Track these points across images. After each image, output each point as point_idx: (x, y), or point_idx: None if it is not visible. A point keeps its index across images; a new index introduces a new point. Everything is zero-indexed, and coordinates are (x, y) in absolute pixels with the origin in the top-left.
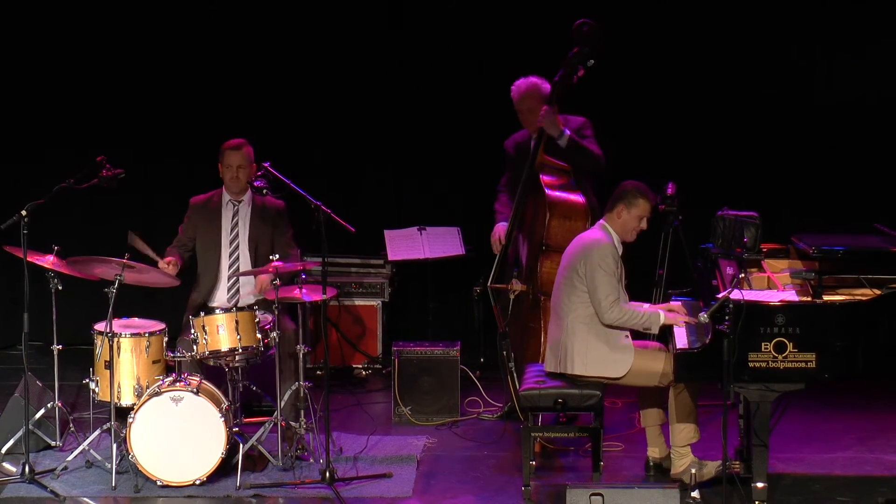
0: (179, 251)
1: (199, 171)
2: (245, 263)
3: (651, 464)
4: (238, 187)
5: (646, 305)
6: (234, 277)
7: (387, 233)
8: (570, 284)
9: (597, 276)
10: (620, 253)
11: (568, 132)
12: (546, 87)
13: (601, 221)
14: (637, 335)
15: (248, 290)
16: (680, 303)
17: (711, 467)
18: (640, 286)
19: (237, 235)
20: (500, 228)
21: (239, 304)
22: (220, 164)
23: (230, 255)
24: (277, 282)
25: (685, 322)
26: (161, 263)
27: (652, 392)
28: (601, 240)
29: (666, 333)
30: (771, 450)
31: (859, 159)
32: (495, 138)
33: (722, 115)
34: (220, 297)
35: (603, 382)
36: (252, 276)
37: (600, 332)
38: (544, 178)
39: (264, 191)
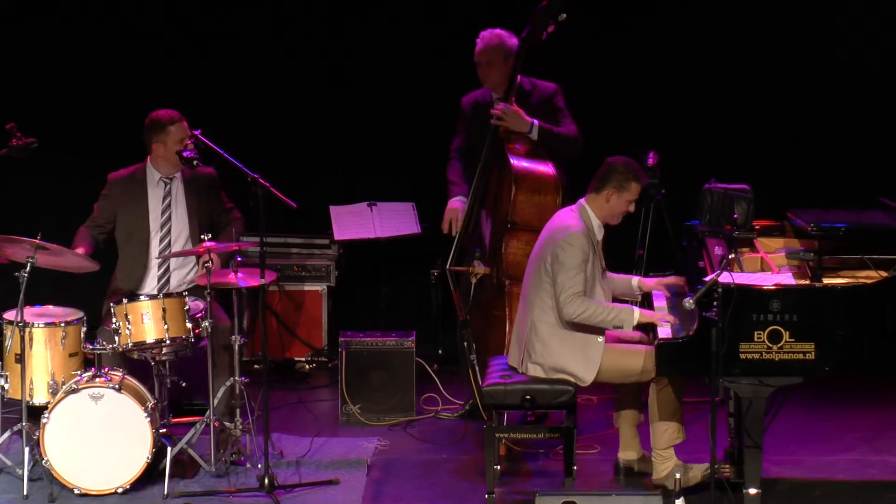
0: (93, 234)
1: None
2: (181, 248)
3: (622, 466)
4: (175, 164)
5: (634, 280)
6: (166, 263)
7: (332, 209)
8: (538, 277)
9: (558, 269)
10: (600, 238)
11: (537, 122)
12: (513, 41)
13: (581, 201)
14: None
15: (181, 277)
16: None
17: (698, 471)
18: (618, 268)
19: (170, 217)
20: (458, 205)
21: (165, 291)
22: (154, 139)
23: (161, 240)
24: (210, 264)
25: (669, 322)
26: None
27: (631, 388)
28: (570, 227)
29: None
30: (765, 451)
31: (862, 126)
32: (455, 100)
33: (709, 77)
34: (149, 285)
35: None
36: (186, 261)
37: (565, 335)
38: (510, 147)
39: (195, 162)
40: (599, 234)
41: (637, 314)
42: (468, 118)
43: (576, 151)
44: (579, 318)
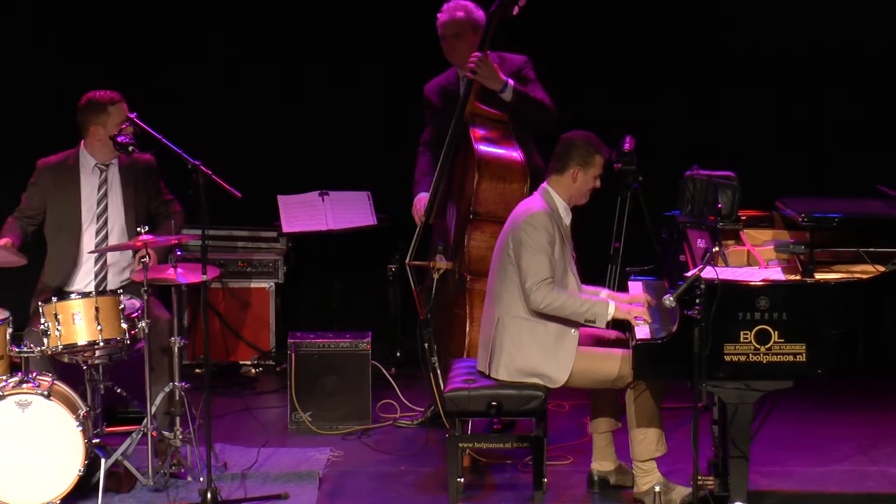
0: (22, 225)
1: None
2: (118, 241)
3: (595, 478)
4: (114, 149)
5: (604, 292)
6: (103, 258)
7: (281, 199)
8: (503, 269)
9: (522, 253)
10: (568, 222)
11: (511, 82)
12: (479, 13)
13: (543, 185)
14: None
15: (116, 273)
16: (642, 285)
17: (678, 496)
18: (591, 263)
19: (106, 208)
20: (424, 200)
21: (102, 289)
22: (92, 122)
23: (97, 233)
24: (147, 259)
25: (647, 320)
26: None
27: (607, 393)
28: (531, 208)
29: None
30: (752, 462)
31: (857, 107)
32: (416, 81)
33: (690, 54)
34: (81, 281)
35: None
36: (122, 256)
37: (536, 329)
38: (475, 132)
39: (130, 148)
40: (567, 217)
41: (612, 308)
42: (436, 107)
43: (549, 120)
44: (548, 307)
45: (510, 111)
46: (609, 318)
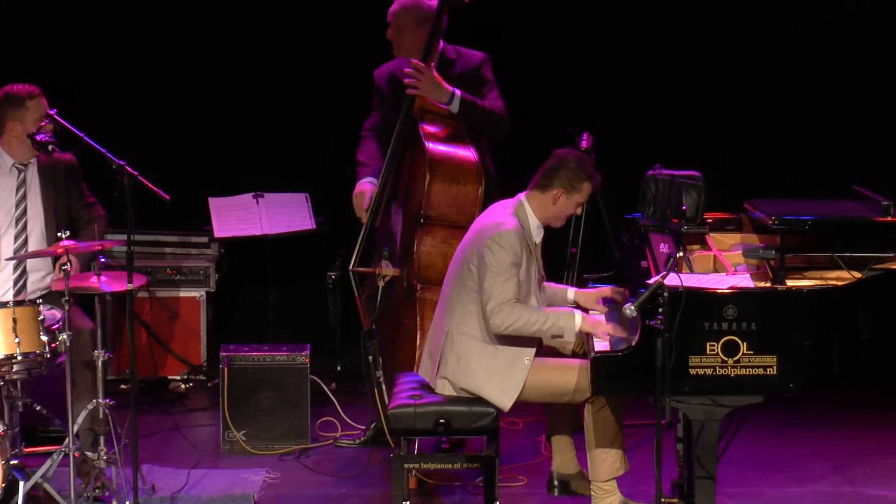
0: None
1: None
2: (37, 246)
3: (556, 482)
4: (32, 147)
5: (571, 291)
6: (22, 265)
7: (212, 201)
8: (461, 281)
9: (486, 273)
10: (539, 241)
11: (458, 92)
12: (431, 2)
13: (520, 196)
14: None
15: (36, 281)
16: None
17: None
18: (546, 270)
19: (25, 211)
20: (366, 187)
21: (20, 299)
22: (9, 117)
23: (15, 238)
24: (68, 266)
25: (612, 333)
26: None
27: (564, 409)
28: (500, 225)
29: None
30: (720, 483)
31: (831, 102)
32: (357, 75)
33: (653, 43)
34: None
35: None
36: (42, 263)
37: (486, 350)
38: (425, 129)
39: (50, 147)
40: (538, 236)
41: (579, 319)
42: (386, 97)
43: (501, 131)
44: (510, 329)
45: (459, 120)
46: (577, 329)
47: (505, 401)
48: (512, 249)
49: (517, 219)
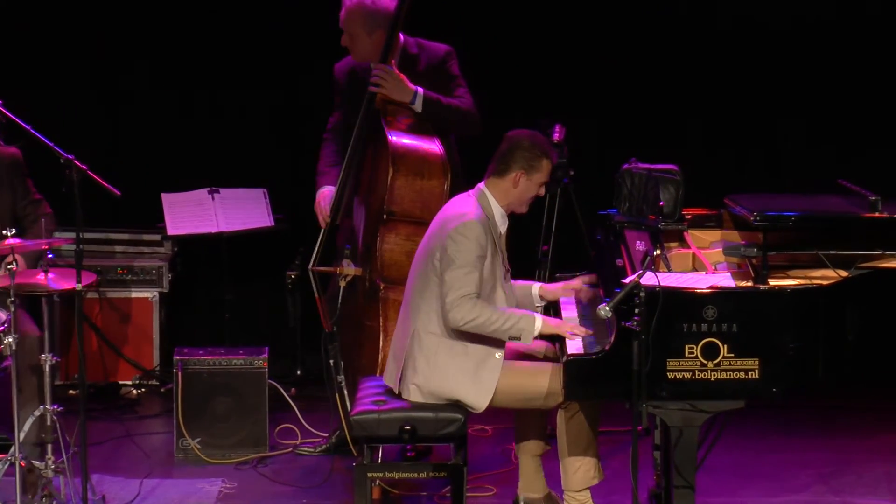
0: None
1: None
2: None
3: None
4: None
5: (535, 287)
6: None
7: (165, 197)
8: (425, 277)
9: (448, 265)
10: (503, 231)
11: (421, 91)
12: (382, 3)
13: (480, 186)
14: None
15: None
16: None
17: None
18: (517, 268)
19: None
20: (328, 195)
21: None
22: None
23: None
24: (14, 266)
25: (580, 334)
26: None
27: (535, 415)
28: (464, 215)
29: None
30: (699, 493)
31: (815, 93)
32: (323, 59)
33: (629, 32)
34: None
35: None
36: None
37: (456, 347)
38: (388, 121)
39: None
40: (503, 225)
41: (539, 323)
42: (346, 93)
43: (471, 128)
44: (468, 325)
45: (424, 118)
46: (535, 333)
47: (480, 400)
48: (477, 241)
49: (481, 208)
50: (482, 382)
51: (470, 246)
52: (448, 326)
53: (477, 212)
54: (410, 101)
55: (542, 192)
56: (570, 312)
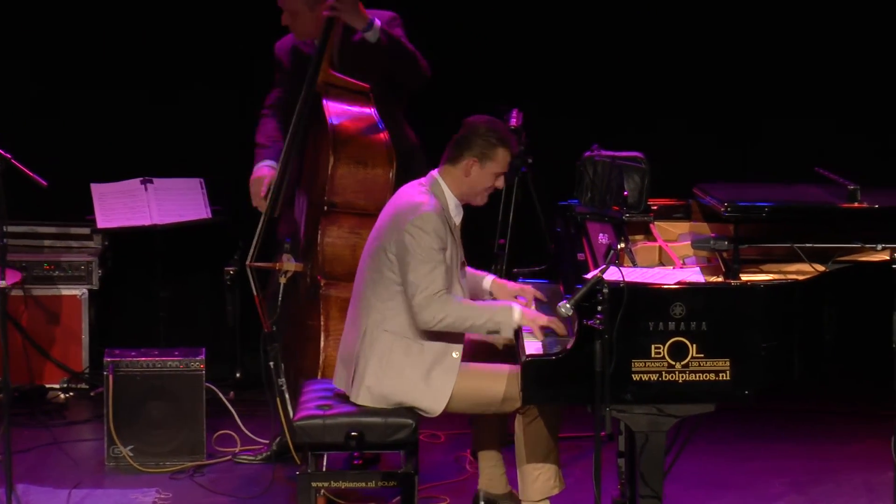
0: None
1: None
2: None
3: (482, 503)
4: None
5: (488, 279)
6: None
7: (94, 187)
8: (377, 272)
9: (409, 261)
10: (458, 222)
11: (378, 21)
12: None
13: (433, 173)
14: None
15: None
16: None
17: None
18: (471, 262)
19: None
20: (265, 172)
21: None
22: None
23: None
24: None
25: (560, 331)
26: None
27: (491, 421)
28: (420, 206)
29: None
30: (667, 502)
31: (790, 70)
32: (263, 41)
33: (591, 13)
34: None
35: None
36: None
37: (411, 349)
38: (329, 105)
39: None
40: (457, 216)
41: (518, 314)
42: (285, 69)
43: (419, 75)
44: (441, 325)
45: (372, 64)
46: (515, 325)
47: (435, 404)
48: (436, 233)
49: (435, 197)
50: (438, 384)
51: (429, 240)
52: (412, 326)
53: (432, 202)
54: (365, 27)
55: (501, 184)
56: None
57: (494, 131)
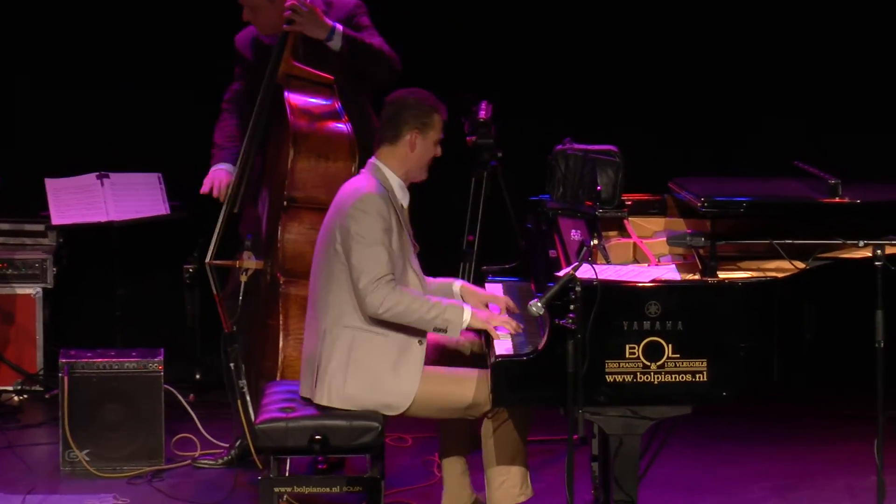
0: None
1: None
2: None
3: None
4: None
5: (457, 284)
6: None
7: (49, 183)
8: (328, 267)
9: (352, 246)
10: (406, 204)
11: (340, 27)
12: None
13: (371, 161)
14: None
15: None
16: (502, 288)
17: None
18: (438, 260)
19: None
20: (221, 175)
21: None
22: None
23: None
24: None
25: (511, 330)
26: None
27: (459, 425)
28: (360, 189)
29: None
30: None
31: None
32: (224, 33)
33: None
34: None
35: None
36: None
37: (374, 342)
38: (290, 98)
39: None
40: (404, 198)
41: (468, 314)
42: (247, 62)
43: (388, 70)
44: (388, 313)
45: (339, 64)
46: (464, 325)
47: (403, 399)
48: (379, 214)
49: (377, 180)
50: (404, 378)
51: (371, 221)
52: (365, 314)
53: (373, 183)
54: (327, 37)
55: (439, 151)
56: (496, 308)
57: (423, 99)
